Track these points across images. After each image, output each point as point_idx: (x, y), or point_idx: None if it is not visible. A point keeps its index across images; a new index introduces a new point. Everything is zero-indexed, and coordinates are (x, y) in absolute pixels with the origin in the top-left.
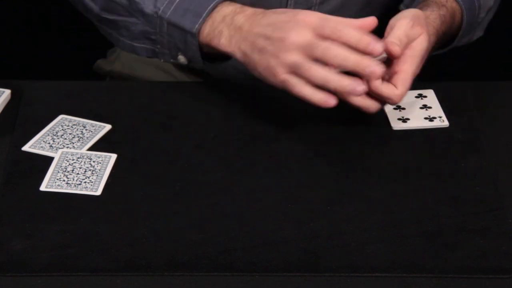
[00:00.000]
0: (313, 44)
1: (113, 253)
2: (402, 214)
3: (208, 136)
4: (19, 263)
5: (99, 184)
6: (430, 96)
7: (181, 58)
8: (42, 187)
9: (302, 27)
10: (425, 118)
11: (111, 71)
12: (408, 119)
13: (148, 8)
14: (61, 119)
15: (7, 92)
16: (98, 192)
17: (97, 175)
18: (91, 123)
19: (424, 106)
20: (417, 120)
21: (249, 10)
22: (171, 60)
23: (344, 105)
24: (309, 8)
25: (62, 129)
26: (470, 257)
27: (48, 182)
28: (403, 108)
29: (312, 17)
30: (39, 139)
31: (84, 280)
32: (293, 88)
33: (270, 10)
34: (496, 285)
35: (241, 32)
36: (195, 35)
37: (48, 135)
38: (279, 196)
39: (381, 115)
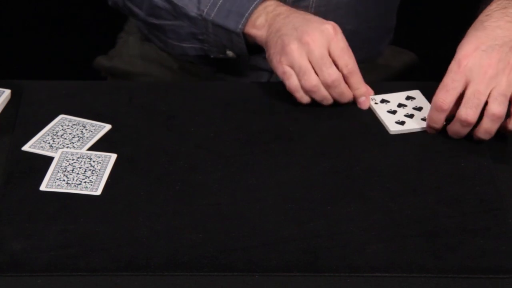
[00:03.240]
0: (324, 60)
1: (113, 253)
2: (402, 214)
3: (208, 136)
4: (19, 263)
5: (99, 184)
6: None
7: (230, 53)
8: (42, 187)
9: (325, 39)
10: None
11: (111, 68)
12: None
13: (192, 11)
14: (61, 119)
15: (7, 92)
16: (98, 192)
17: (97, 175)
18: (91, 123)
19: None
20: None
21: (289, 7)
22: (221, 55)
23: (345, 105)
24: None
25: (62, 129)
26: (470, 257)
27: (48, 182)
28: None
29: (340, 39)
30: (39, 139)
31: (84, 280)
32: (290, 83)
33: (307, 13)
34: (496, 285)
35: (278, 17)
36: (240, 34)
37: (48, 135)
38: (279, 196)
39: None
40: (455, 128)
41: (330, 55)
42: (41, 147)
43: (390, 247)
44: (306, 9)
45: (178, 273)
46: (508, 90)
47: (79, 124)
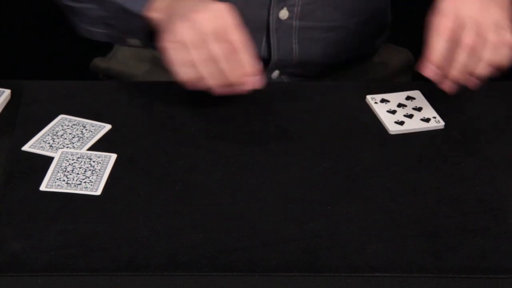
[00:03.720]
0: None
1: (113, 253)
2: (402, 214)
3: (208, 136)
4: (19, 263)
5: (99, 184)
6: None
7: (132, 41)
8: (42, 187)
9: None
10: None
11: (107, 69)
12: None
13: None
14: (61, 119)
15: (7, 92)
16: (98, 192)
17: (97, 175)
18: (91, 123)
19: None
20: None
21: None
22: (126, 44)
23: (345, 105)
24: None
25: (62, 129)
26: (470, 257)
27: (48, 182)
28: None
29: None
30: (39, 139)
31: (84, 280)
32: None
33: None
34: (496, 285)
35: (177, 1)
36: (140, 16)
37: (48, 135)
38: (279, 196)
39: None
40: (460, 58)
41: (217, 32)
42: (41, 147)
43: (390, 247)
44: (292, 7)
45: (178, 273)
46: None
47: (79, 124)
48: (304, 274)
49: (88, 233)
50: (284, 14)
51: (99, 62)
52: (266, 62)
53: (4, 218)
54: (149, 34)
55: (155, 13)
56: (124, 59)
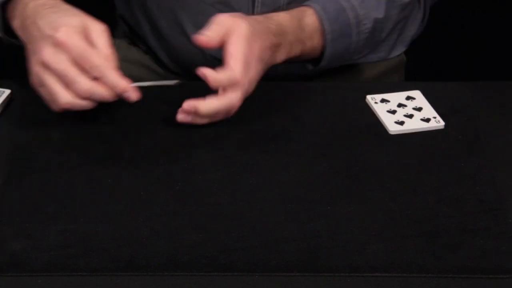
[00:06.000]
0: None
1: (113, 253)
2: (402, 214)
3: (208, 136)
4: (19, 263)
5: None
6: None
7: None
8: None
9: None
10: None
11: None
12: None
13: None
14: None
15: (7, 92)
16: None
17: None
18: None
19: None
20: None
21: (41, 0)
22: None
23: (345, 105)
24: (276, 9)
25: None
26: (470, 257)
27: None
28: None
29: (68, 40)
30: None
31: (84, 280)
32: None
33: (55, 7)
34: (496, 285)
35: (26, 19)
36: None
37: None
38: (279, 196)
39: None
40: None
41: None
42: None
43: (390, 247)
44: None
45: (178, 273)
46: None
47: None
48: (304, 274)
49: (88, 233)
50: None
51: None
52: None
53: (4, 218)
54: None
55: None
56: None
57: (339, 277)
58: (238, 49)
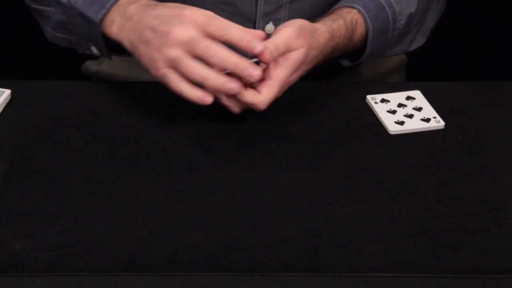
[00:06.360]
0: (194, 41)
1: (113, 253)
2: (402, 214)
3: (208, 136)
4: (19, 263)
5: None
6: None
7: (94, 49)
8: None
9: (187, 23)
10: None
11: (98, 71)
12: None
13: None
14: None
15: (7, 92)
16: None
17: None
18: None
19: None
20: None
21: (143, 1)
22: (87, 51)
23: (345, 105)
24: (279, 7)
25: None
26: (470, 257)
27: None
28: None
29: (198, 14)
30: None
31: (84, 280)
32: (171, 83)
33: (162, 3)
34: (496, 285)
35: (130, 22)
36: (98, 24)
37: None
38: (279, 196)
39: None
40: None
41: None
42: None
43: (390, 247)
44: (278, 21)
45: (178, 273)
46: None
47: None
48: (304, 274)
49: (88, 233)
50: (270, 28)
51: (91, 65)
52: None
53: (4, 218)
54: (110, 42)
55: (112, 27)
56: (116, 62)
57: (339, 277)
58: (278, 78)
